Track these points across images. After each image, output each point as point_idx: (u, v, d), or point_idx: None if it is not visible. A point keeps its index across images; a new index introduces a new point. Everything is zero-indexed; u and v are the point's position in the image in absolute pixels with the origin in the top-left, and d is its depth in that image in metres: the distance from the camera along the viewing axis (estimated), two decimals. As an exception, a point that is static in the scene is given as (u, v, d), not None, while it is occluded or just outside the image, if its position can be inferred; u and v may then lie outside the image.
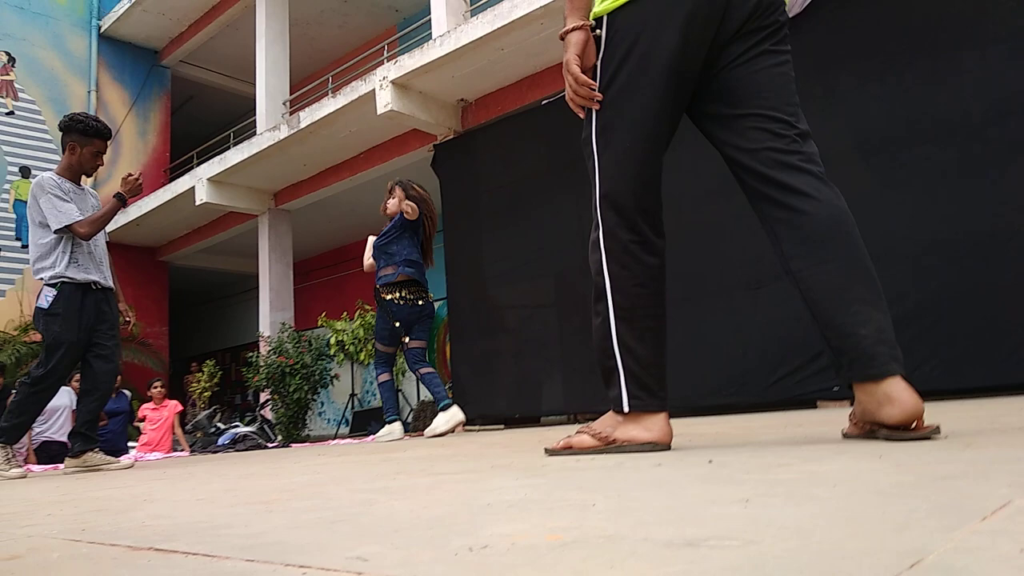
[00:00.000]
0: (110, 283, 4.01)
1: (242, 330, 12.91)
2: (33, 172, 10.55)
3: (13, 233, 10.10)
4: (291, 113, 9.65)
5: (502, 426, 6.80)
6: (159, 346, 11.03)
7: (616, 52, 1.65)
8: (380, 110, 7.29)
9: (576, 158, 6.56)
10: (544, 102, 6.83)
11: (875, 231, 4.36)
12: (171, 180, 10.90)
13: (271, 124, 9.24)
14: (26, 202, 10.32)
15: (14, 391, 6.36)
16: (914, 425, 1.37)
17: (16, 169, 10.38)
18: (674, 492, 0.90)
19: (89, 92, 11.39)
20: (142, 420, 7.02)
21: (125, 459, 4.44)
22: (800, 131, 1.64)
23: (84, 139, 3.91)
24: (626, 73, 1.64)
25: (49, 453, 6.10)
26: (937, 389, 3.98)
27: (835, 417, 3.26)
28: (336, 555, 0.67)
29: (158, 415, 6.99)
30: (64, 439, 6.39)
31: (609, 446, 1.63)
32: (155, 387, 7.21)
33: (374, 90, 7.35)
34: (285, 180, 9.69)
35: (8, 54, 10.60)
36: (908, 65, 4.62)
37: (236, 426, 7.02)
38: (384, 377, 5.34)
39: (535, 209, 6.62)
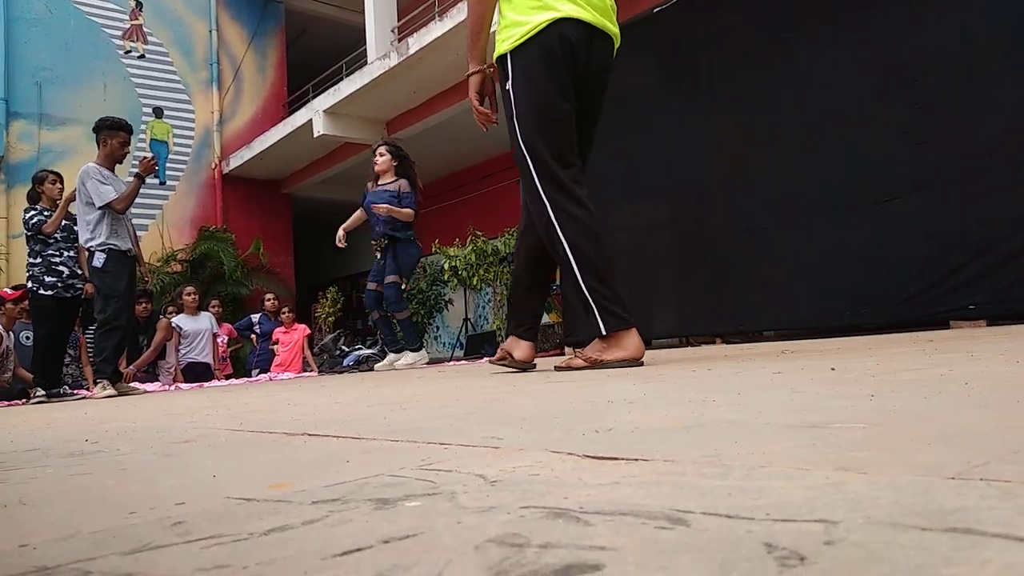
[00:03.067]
0: (136, 252, 4.96)
1: (362, 258, 13.43)
2: (166, 112, 11.19)
3: (152, 171, 10.84)
4: (399, 40, 9.70)
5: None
6: (285, 275, 11.67)
7: (520, 76, 2.25)
8: (494, 27, 7.19)
9: (690, 69, 6.28)
10: (656, 9, 6.52)
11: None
12: (289, 114, 11.29)
13: (381, 52, 9.34)
14: (162, 141, 11.08)
15: (161, 316, 6.98)
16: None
17: (150, 110, 11.04)
18: (795, 391, 0.90)
19: (210, 32, 11.84)
20: (275, 343, 7.53)
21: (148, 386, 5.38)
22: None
23: (112, 133, 4.82)
24: (537, 91, 2.23)
25: (195, 372, 6.68)
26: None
27: (971, 336, 3.08)
28: (472, 436, 0.72)
29: (289, 338, 7.47)
30: (206, 360, 6.96)
31: (595, 365, 2.06)
32: (284, 313, 7.68)
33: (482, 9, 7.24)
34: (397, 108, 9.82)
35: (137, 0, 11.15)
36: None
37: (359, 348, 7.39)
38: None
39: (646, 125, 6.40)
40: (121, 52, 10.92)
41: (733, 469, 0.45)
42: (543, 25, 2.20)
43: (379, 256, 5.63)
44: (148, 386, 5.53)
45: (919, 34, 4.66)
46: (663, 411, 0.80)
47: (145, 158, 4.86)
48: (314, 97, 10.22)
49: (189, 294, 7.11)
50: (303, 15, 12.85)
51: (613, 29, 2.36)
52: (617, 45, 2.43)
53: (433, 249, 9.44)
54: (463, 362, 7.48)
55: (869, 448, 0.48)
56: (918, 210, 4.69)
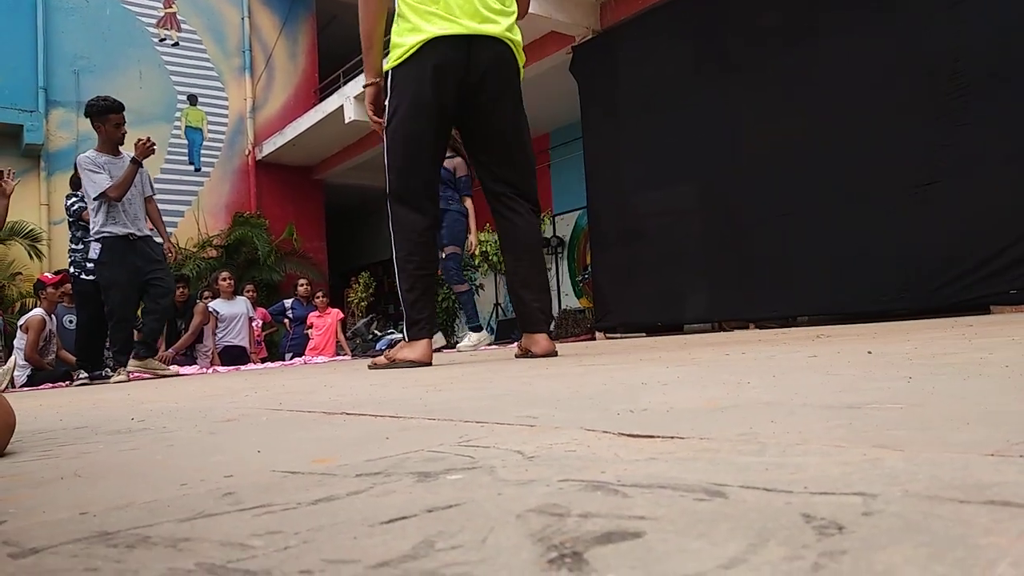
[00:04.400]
0: (146, 232, 4.83)
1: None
2: (200, 99, 11.33)
3: (187, 158, 11.00)
4: (429, 26, 9.68)
5: (643, 335, 6.80)
6: (318, 259, 11.80)
7: (394, 94, 2.45)
8: (517, 15, 7.16)
9: (724, 52, 6.21)
10: (686, -9, 6.44)
11: None
12: (320, 100, 11.36)
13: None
14: (196, 128, 11.23)
15: (198, 301, 7.12)
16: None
17: (184, 97, 11.19)
18: (831, 374, 0.90)
19: (242, 19, 11.95)
20: (310, 327, 7.64)
21: (174, 368, 5.30)
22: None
23: (101, 117, 4.68)
24: (402, 108, 2.42)
25: (231, 355, 6.81)
26: None
27: (1013, 320, 3.02)
28: (508, 415, 0.73)
29: (323, 322, 7.57)
30: (242, 343, 7.09)
31: (392, 363, 2.35)
32: (318, 297, 7.78)
33: (511, -6, 7.21)
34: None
35: (170, -13, 11.29)
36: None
37: (391, 332, 7.46)
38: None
39: (679, 109, 6.34)
40: (156, 40, 11.08)
41: (769, 446, 0.45)
42: (415, 48, 2.36)
43: None
44: (186, 369, 5.65)
45: (958, 18, 4.55)
46: (698, 392, 0.80)
47: (140, 140, 4.70)
48: (345, 83, 10.26)
49: (225, 279, 7.24)
50: (333, 2, 12.89)
51: (498, 31, 2.43)
52: (512, 44, 2.51)
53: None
54: (493, 347, 7.52)
55: (907, 427, 0.48)
56: (955, 195, 4.60)
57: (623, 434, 0.56)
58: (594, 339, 7.28)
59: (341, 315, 7.88)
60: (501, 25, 2.46)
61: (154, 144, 4.79)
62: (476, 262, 9.32)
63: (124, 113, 4.82)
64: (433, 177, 2.53)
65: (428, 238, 2.49)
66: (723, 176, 6.01)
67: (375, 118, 2.58)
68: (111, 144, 4.74)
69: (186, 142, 11.05)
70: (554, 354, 2.38)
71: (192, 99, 11.26)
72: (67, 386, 4.86)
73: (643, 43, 6.82)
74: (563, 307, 10.07)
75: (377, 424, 0.79)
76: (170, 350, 6.35)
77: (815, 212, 5.37)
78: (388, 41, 2.56)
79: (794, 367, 1.05)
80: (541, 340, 2.40)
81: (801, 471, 0.38)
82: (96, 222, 4.61)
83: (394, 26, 2.47)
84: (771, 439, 0.47)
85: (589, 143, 7.37)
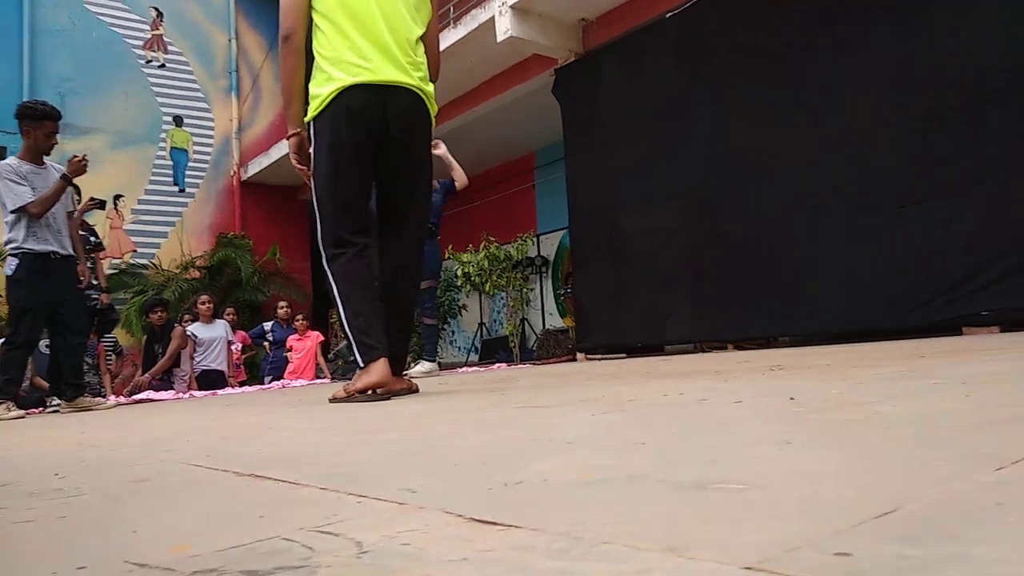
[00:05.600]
0: (69, 251, 4.46)
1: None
2: (186, 120, 11.37)
3: (171, 179, 11.01)
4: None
5: (624, 356, 6.82)
6: (302, 280, 11.80)
7: (316, 142, 2.53)
8: (500, 37, 7.23)
9: (705, 71, 6.28)
10: (668, 15, 6.53)
11: None
12: (306, 121, 11.41)
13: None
14: (182, 149, 11.26)
15: (176, 324, 7.10)
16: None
17: (170, 119, 11.23)
18: (728, 432, 0.91)
19: (230, 40, 12.03)
20: (289, 350, 7.62)
21: (111, 401, 5.05)
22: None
23: (35, 123, 4.33)
24: (325, 156, 2.51)
25: (209, 380, 6.80)
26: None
27: (975, 344, 3.06)
28: (394, 484, 0.75)
29: (303, 345, 7.56)
30: (220, 367, 7.07)
31: (351, 396, 2.34)
32: (298, 320, 7.78)
33: (493, 17, 7.29)
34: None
35: (157, 10, 11.34)
36: None
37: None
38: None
39: (661, 131, 6.41)
40: (142, 62, 11.12)
41: (580, 543, 0.47)
42: (330, 97, 2.47)
43: None
44: (161, 394, 5.63)
45: (941, 42, 4.64)
46: (589, 457, 0.82)
47: (74, 157, 4.42)
48: (329, 105, 10.29)
49: (204, 303, 7.23)
50: (319, 23, 12.98)
51: (411, 82, 2.55)
52: (425, 96, 2.61)
53: (447, 255, 9.50)
54: (475, 368, 7.53)
55: (718, 521, 0.49)
56: (932, 217, 4.67)
57: (474, 519, 0.57)
58: (575, 360, 7.30)
59: (321, 337, 7.87)
60: (414, 76, 2.57)
61: (87, 162, 4.52)
62: (459, 283, 9.34)
63: (59, 123, 4.56)
64: (361, 216, 2.59)
65: (364, 263, 2.53)
66: (704, 197, 6.07)
67: (300, 167, 2.67)
68: (36, 153, 4.39)
69: (171, 163, 11.07)
70: (396, 393, 2.45)
71: (178, 120, 11.29)
72: (40, 412, 4.83)
73: (625, 65, 6.90)
74: (547, 327, 10.09)
75: (269, 493, 0.81)
76: (146, 375, 6.33)
77: (795, 233, 5.43)
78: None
79: (706, 420, 1.07)
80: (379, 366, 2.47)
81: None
82: (13, 236, 4.24)
83: (312, 78, 2.57)
84: (590, 533, 0.49)
85: (571, 164, 7.44)
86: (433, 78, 2.77)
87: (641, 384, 2.03)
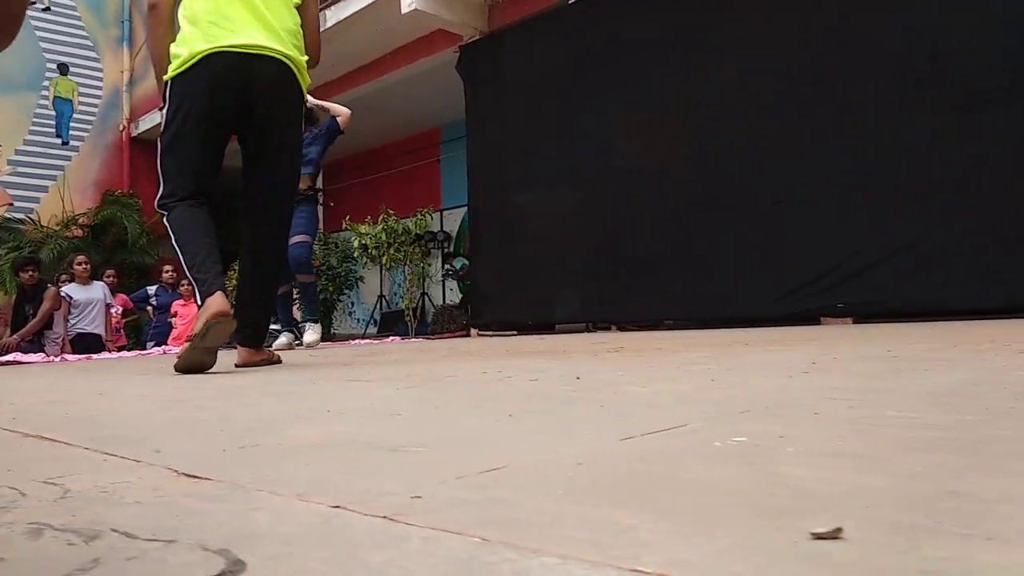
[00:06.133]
0: None
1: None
2: (72, 69, 10.71)
3: (54, 130, 10.39)
4: (321, 10, 9.53)
5: (515, 332, 6.98)
6: (196, 243, 11.40)
7: (170, 104, 2.48)
8: (404, 9, 7.17)
9: (603, 61, 6.42)
10: (571, 1, 6.65)
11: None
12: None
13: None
14: (66, 99, 10.61)
15: (49, 285, 6.78)
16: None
17: (54, 66, 10.56)
18: (481, 406, 1.03)
19: (123, -13, 11.39)
20: (174, 315, 7.40)
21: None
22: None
23: None
24: (177, 119, 2.45)
25: (85, 343, 6.53)
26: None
27: (820, 334, 3.33)
28: (146, 448, 0.81)
29: (188, 311, 7.34)
30: (97, 331, 6.80)
31: (191, 338, 2.23)
32: (183, 285, 7.54)
33: (399, -12, 7.22)
34: (314, 80, 9.59)
35: (42, -52, 10.60)
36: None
37: (275, 323, 7.32)
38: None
39: (559, 114, 6.54)
40: (23, 3, 10.38)
41: (238, 490, 0.56)
42: (193, 59, 2.40)
43: None
44: (30, 356, 5.39)
45: (815, 52, 4.93)
46: (340, 426, 0.91)
47: None
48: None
49: (80, 263, 6.92)
50: (223, -24, 12.45)
51: (280, 49, 2.50)
52: (294, 64, 2.55)
53: (344, 226, 9.41)
54: (367, 341, 7.53)
55: (371, 475, 0.59)
56: (799, 216, 5.00)
57: (183, 474, 0.65)
58: (468, 335, 7.42)
59: (209, 304, 7.66)
60: (285, 43, 2.52)
61: None
62: (356, 254, 9.27)
63: None
64: (205, 183, 2.53)
65: (204, 222, 2.46)
66: (596, 182, 6.25)
67: None
68: None
69: (53, 113, 10.43)
70: (252, 364, 2.51)
71: (63, 68, 10.64)
72: None
73: (528, 47, 6.98)
74: (446, 302, 10.16)
75: (35, 451, 0.86)
76: (15, 336, 6.04)
77: (679, 224, 5.68)
78: None
79: (479, 395, 1.18)
80: (241, 352, 2.57)
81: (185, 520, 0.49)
82: None
83: (176, 39, 2.51)
84: (253, 483, 0.58)
85: (472, 141, 7.49)
86: (310, 50, 2.70)
87: (487, 361, 2.14)
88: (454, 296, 10.49)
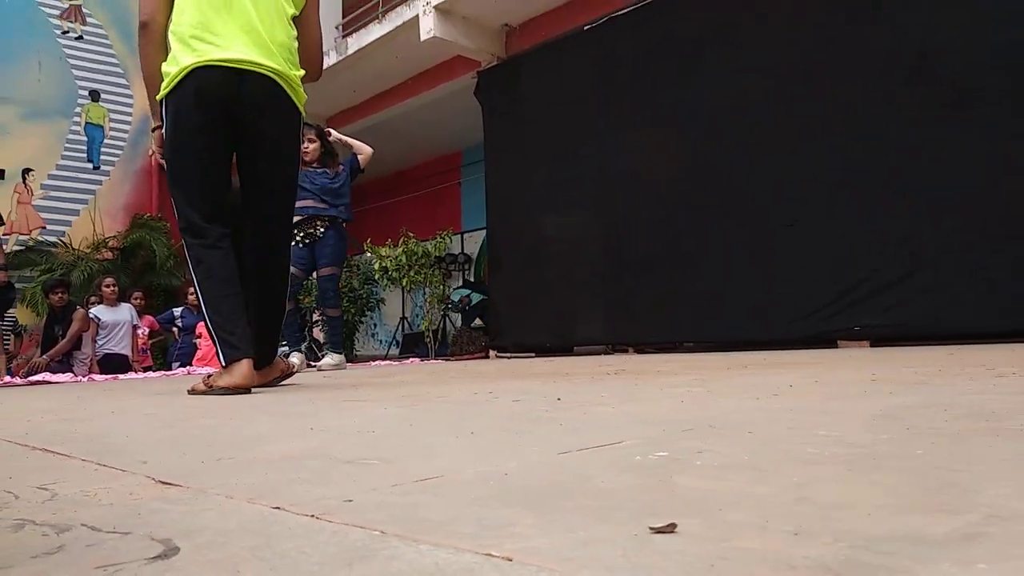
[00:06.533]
0: None
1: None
2: (103, 96, 11.06)
3: (85, 155, 10.71)
4: (343, 37, 9.78)
5: (533, 355, 7.04)
6: (222, 265, 11.63)
7: (167, 124, 2.43)
8: (423, 36, 7.34)
9: (620, 84, 6.51)
10: (586, 27, 6.75)
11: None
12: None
13: (324, 49, 9.41)
14: (98, 125, 10.94)
15: (78, 307, 6.98)
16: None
17: (86, 93, 10.91)
18: (458, 424, 1.10)
19: (155, 17, 11.73)
20: (199, 336, 7.57)
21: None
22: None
23: None
24: (176, 136, 2.41)
25: (112, 364, 6.71)
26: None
27: (826, 358, 3.35)
28: (135, 459, 0.89)
29: (212, 331, 7.50)
30: (124, 351, 6.98)
31: (210, 389, 2.28)
32: (208, 305, 7.70)
33: (417, 16, 7.40)
34: (337, 106, 9.90)
35: (77, -20, 11.00)
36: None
37: (284, 344, 7.47)
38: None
39: (580, 137, 6.62)
40: (58, 32, 10.76)
41: (201, 495, 0.63)
42: (181, 75, 2.36)
43: (303, 239, 5.19)
44: (57, 376, 5.56)
45: (824, 69, 4.98)
46: (315, 442, 0.99)
47: None
48: (254, 90, 10.20)
49: (108, 285, 7.12)
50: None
51: (270, 65, 2.44)
52: (286, 81, 2.49)
53: (364, 249, 9.56)
54: (388, 362, 7.63)
55: (314, 482, 0.66)
56: (819, 236, 5.00)
57: (160, 481, 0.73)
58: (487, 357, 7.49)
59: (231, 325, 7.81)
60: (276, 58, 2.46)
61: None
62: (376, 276, 9.41)
63: None
64: (216, 203, 2.46)
65: (223, 255, 2.42)
66: (616, 205, 6.31)
67: (163, 161, 2.53)
68: None
69: (85, 139, 10.75)
70: (266, 384, 2.45)
71: (94, 95, 10.97)
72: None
73: (545, 72, 7.10)
74: (471, 324, 10.25)
75: (36, 461, 0.95)
76: (44, 356, 6.22)
77: (698, 246, 5.71)
78: None
79: (458, 414, 1.25)
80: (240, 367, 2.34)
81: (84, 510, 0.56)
82: None
83: (168, 56, 2.46)
84: (216, 491, 0.65)
85: (491, 165, 7.61)
86: (309, 64, 2.66)
87: (487, 383, 2.21)
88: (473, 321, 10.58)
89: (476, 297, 10.19)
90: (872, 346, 4.77)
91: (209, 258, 2.38)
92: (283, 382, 2.75)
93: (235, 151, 2.53)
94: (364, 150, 5.53)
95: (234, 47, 2.38)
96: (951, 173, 4.35)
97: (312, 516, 0.53)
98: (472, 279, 10.69)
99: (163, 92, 2.41)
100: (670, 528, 0.43)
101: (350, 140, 5.62)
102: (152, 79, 2.51)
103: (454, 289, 9.58)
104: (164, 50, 2.48)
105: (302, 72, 2.60)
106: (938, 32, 4.39)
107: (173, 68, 2.38)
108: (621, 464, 0.68)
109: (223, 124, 2.42)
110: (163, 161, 2.53)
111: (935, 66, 4.38)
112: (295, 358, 5.08)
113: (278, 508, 0.56)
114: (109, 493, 0.67)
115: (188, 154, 2.41)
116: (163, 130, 2.45)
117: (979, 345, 3.74)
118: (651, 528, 0.43)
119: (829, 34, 4.98)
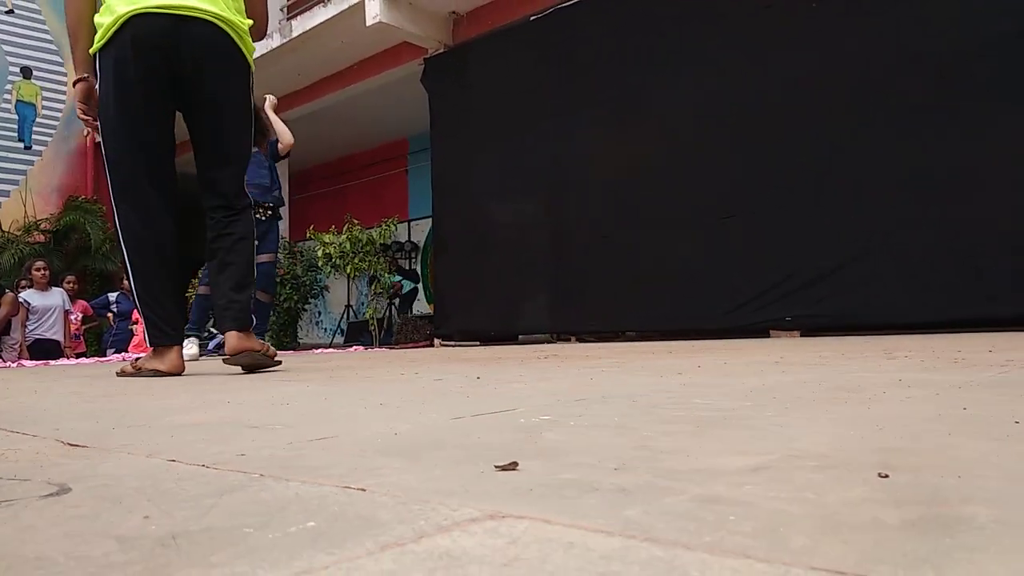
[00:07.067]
0: None
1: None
2: (36, 73, 10.67)
3: (16, 134, 10.33)
4: (288, 19, 9.62)
5: (478, 343, 7.09)
6: (161, 250, 11.35)
7: (101, 81, 2.25)
8: (369, 21, 7.28)
9: (563, 74, 6.57)
10: (532, 18, 6.80)
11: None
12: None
13: (268, 31, 9.25)
14: (29, 103, 10.55)
15: (7, 291, 6.76)
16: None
17: (17, 70, 10.51)
18: (362, 399, 1.15)
19: (91, -8, 11.37)
20: (135, 322, 7.40)
21: None
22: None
23: None
24: (110, 95, 2.22)
25: (43, 349, 6.52)
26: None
27: (750, 345, 3.49)
28: (49, 427, 0.92)
29: (149, 316, 7.34)
30: (56, 337, 6.79)
31: (138, 372, 2.23)
32: (146, 290, 7.53)
33: (363, 1, 7.33)
34: (281, 89, 9.70)
35: (8, -48, 10.57)
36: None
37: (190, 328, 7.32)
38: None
39: (526, 126, 6.66)
40: (-12, 6, 10.35)
41: (100, 452, 0.68)
42: (115, 25, 2.18)
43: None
44: (-15, 362, 5.40)
45: (758, 72, 5.11)
46: (232, 412, 1.03)
47: None
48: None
49: (39, 269, 6.91)
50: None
51: (214, 11, 2.27)
52: (230, 27, 2.31)
53: (308, 235, 9.46)
54: (329, 351, 7.59)
55: (224, 442, 0.71)
56: (754, 229, 5.16)
57: (68, 444, 0.76)
58: (432, 346, 7.51)
59: (170, 311, 7.67)
60: (218, 5, 2.28)
61: None
62: (320, 264, 9.33)
63: None
64: (157, 166, 2.32)
65: (155, 229, 2.30)
66: (559, 194, 6.38)
67: (85, 118, 2.37)
68: None
69: (15, 117, 10.37)
70: (245, 352, 2.22)
71: (26, 72, 10.58)
72: None
73: (491, 60, 7.12)
74: (413, 312, 10.24)
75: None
76: (-30, 341, 6.02)
77: (639, 237, 5.81)
78: None
79: (377, 391, 1.30)
80: (230, 338, 2.26)
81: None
82: None
83: (99, 9, 2.28)
84: (121, 449, 0.69)
85: (436, 152, 7.60)
86: (255, 15, 2.47)
87: (417, 366, 2.26)
88: (421, 306, 10.57)
89: (408, 285, 10.19)
90: (802, 336, 4.96)
91: (145, 232, 2.26)
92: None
93: (180, 110, 2.34)
94: (286, 138, 5.39)
95: None
96: (882, 167, 4.53)
97: (202, 466, 0.58)
98: (415, 268, 10.68)
99: (97, 45, 2.23)
100: (512, 466, 0.49)
101: (275, 119, 5.43)
102: (76, 28, 2.34)
103: (385, 276, 9.54)
104: (92, 1, 2.32)
105: (250, 22, 2.43)
106: (866, 31, 4.57)
107: (107, 18, 2.20)
108: (504, 426, 0.74)
109: (165, 76, 2.23)
110: (86, 120, 2.37)
111: (864, 62, 4.55)
112: (192, 345, 4.90)
113: (173, 461, 0.61)
114: (17, 453, 0.71)
115: (126, 109, 2.21)
116: (96, 86, 2.27)
117: (910, 335, 3.93)
118: (496, 466, 0.50)
119: (770, 30, 5.12)
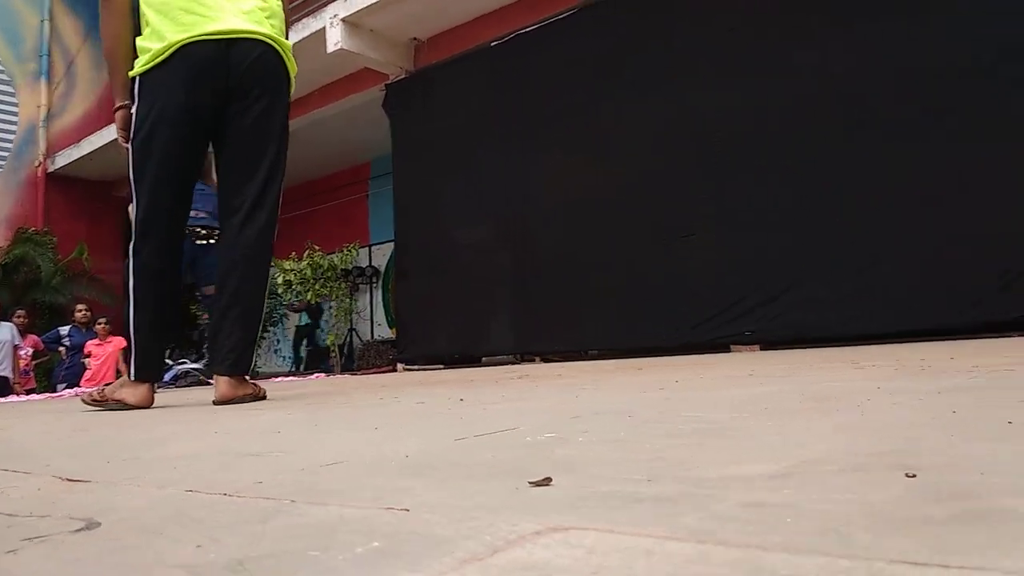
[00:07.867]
0: None
1: (197, 267, 12.92)
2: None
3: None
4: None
5: (441, 367, 7.06)
6: (112, 282, 11.02)
7: (141, 103, 2.19)
8: (331, 48, 7.29)
9: (530, 98, 6.66)
10: (494, 43, 6.88)
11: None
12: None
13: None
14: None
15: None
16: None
17: (-34, 101, 10.26)
18: (353, 424, 1.15)
19: (42, 22, 11.15)
20: (88, 356, 7.20)
21: None
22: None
23: None
24: (151, 118, 2.17)
25: (-8, 385, 6.33)
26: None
27: (716, 360, 3.55)
28: (41, 463, 0.90)
29: (102, 351, 7.16)
30: (4, 373, 6.57)
31: (104, 402, 2.18)
32: (99, 323, 7.35)
33: (324, 27, 7.34)
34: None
35: (-47, -20, 10.34)
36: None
37: (184, 362, 7.22)
38: None
39: (487, 151, 6.71)
40: (-67, 34, 10.10)
41: (98, 487, 0.67)
42: (164, 53, 2.13)
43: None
44: (-69, 400, 5.19)
45: (713, 92, 5.24)
46: (213, 442, 1.02)
47: None
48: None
49: (-12, 303, 6.70)
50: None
51: (262, 31, 2.23)
52: (280, 48, 2.30)
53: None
54: (291, 378, 7.48)
55: (235, 470, 0.70)
56: (715, 246, 5.25)
57: (66, 479, 0.75)
58: (395, 370, 7.45)
59: (124, 343, 7.47)
60: (266, 24, 2.25)
61: None
62: (280, 291, 9.21)
63: None
64: (183, 198, 2.30)
65: (164, 263, 2.24)
66: (521, 217, 6.43)
67: (124, 145, 2.28)
68: None
69: (-33, 150, 10.09)
70: (236, 400, 2.09)
71: (-22, 104, 10.32)
72: None
73: (454, 85, 7.17)
74: (375, 337, 10.16)
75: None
76: (-85, 379, 5.79)
77: (600, 256, 5.88)
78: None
79: (355, 416, 1.29)
80: (220, 384, 2.13)
81: None
82: None
83: (142, 31, 2.21)
84: (105, 480, 0.68)
85: (398, 177, 7.61)
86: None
87: (392, 390, 2.25)
88: (383, 331, 10.50)
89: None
90: (762, 349, 5.05)
91: (156, 260, 2.19)
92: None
93: (215, 137, 2.28)
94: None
95: (224, 18, 2.17)
96: (842, 186, 4.66)
97: (224, 495, 0.57)
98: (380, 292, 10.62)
99: (140, 68, 2.17)
100: (546, 481, 0.50)
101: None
102: (113, 53, 2.28)
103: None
104: (130, 23, 2.26)
105: (290, 43, 2.41)
106: (826, 53, 4.72)
107: (155, 43, 2.14)
108: (512, 444, 0.75)
109: (207, 109, 2.20)
110: (127, 145, 2.26)
111: (817, 81, 4.70)
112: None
113: (191, 491, 0.60)
114: (18, 490, 0.69)
115: (167, 137, 2.16)
116: (133, 110, 2.21)
117: (867, 345, 4.03)
118: (530, 482, 0.51)
119: (730, 53, 5.26)
